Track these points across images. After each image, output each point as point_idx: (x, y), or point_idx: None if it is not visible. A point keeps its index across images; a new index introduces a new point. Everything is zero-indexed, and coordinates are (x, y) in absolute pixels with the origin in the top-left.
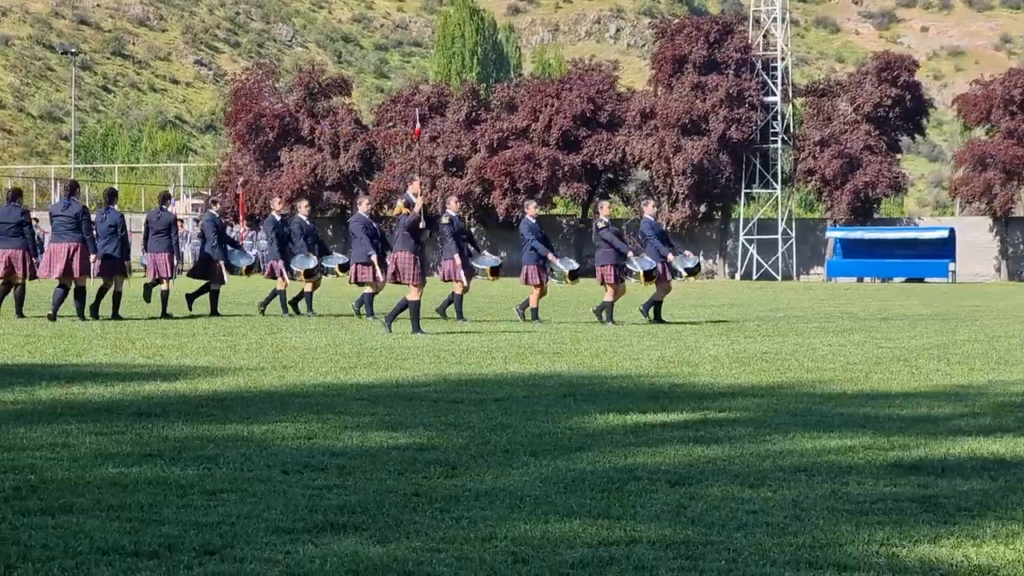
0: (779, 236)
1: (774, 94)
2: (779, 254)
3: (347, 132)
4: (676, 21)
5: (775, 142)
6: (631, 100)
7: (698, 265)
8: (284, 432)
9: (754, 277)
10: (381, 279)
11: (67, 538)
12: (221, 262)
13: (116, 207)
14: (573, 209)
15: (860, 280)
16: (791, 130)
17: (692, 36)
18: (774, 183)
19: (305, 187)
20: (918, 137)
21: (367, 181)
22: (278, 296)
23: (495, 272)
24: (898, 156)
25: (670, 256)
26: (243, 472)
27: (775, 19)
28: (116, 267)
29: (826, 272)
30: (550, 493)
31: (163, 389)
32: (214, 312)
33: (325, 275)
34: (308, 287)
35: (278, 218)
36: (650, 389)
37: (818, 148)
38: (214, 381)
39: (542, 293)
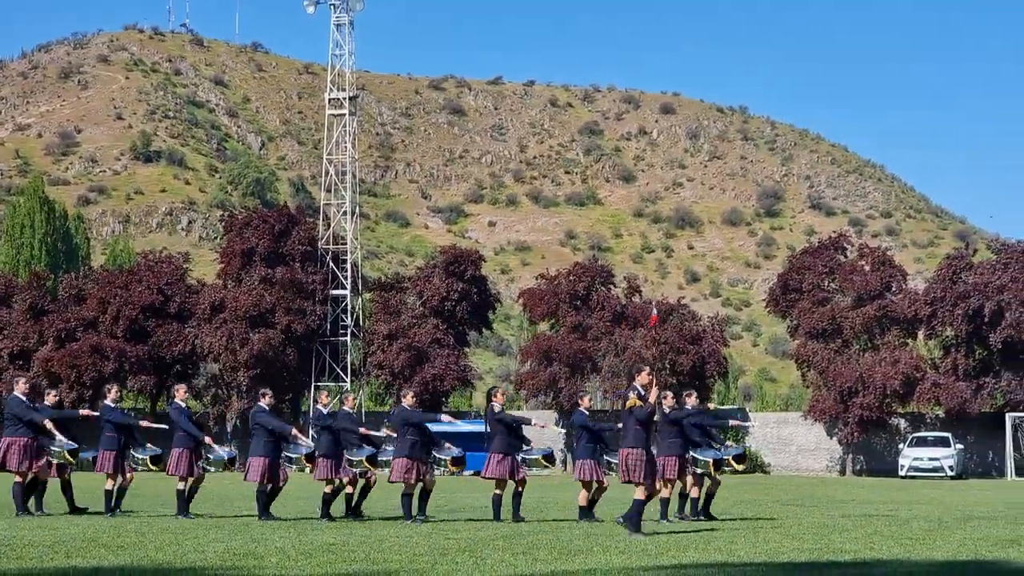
0: None
1: (343, 287)
2: None
3: None
4: (244, 215)
5: (344, 335)
6: (201, 293)
7: (744, 452)
8: None
9: None
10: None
11: None
12: None
13: None
14: (142, 402)
15: None
16: (360, 323)
17: (260, 229)
18: (344, 376)
19: None
20: (485, 331)
21: None
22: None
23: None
24: (466, 350)
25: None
26: None
27: (345, 212)
28: None
29: None
30: None
31: None
32: None
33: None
34: (351, 487)
35: (324, 411)
36: None
37: (387, 342)
38: None
39: (601, 489)
